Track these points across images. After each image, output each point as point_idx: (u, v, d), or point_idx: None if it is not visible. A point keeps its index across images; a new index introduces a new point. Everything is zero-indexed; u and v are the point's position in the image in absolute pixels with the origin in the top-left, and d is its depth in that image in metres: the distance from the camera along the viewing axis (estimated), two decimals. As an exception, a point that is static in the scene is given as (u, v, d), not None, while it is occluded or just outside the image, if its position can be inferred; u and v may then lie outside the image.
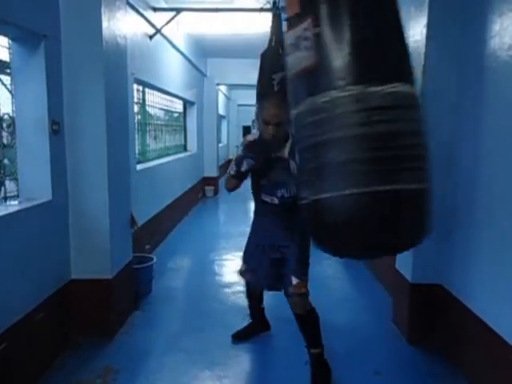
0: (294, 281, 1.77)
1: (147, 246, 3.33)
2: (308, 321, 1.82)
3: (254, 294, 2.19)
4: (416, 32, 2.14)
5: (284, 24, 3.00)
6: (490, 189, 1.74)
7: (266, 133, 1.73)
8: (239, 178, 1.79)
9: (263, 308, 2.29)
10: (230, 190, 1.87)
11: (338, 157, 1.00)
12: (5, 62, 1.91)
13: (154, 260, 2.83)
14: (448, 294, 2.07)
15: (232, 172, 1.78)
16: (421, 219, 1.09)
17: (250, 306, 2.25)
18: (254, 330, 2.25)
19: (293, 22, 1.09)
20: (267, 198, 1.83)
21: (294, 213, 1.67)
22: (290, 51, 1.11)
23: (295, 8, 1.08)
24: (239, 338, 2.21)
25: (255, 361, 2.08)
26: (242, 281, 3.10)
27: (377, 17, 1.02)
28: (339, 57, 0.99)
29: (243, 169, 1.74)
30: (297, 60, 1.07)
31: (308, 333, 1.83)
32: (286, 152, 1.76)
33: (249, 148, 1.79)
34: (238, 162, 1.76)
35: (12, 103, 1.90)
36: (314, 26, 1.02)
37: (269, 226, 1.88)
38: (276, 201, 1.80)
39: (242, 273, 2.07)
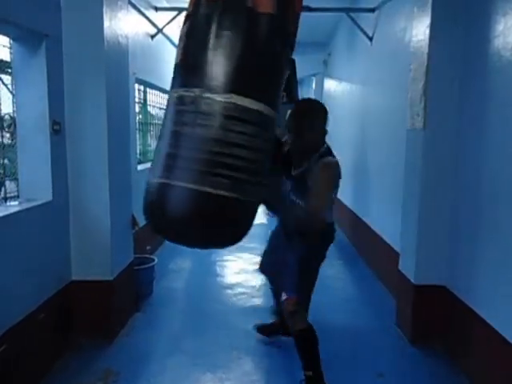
0: (284, 296, 1.67)
1: (148, 247, 3.32)
2: (299, 341, 1.68)
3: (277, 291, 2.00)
4: (419, 32, 2.13)
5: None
6: (495, 190, 1.72)
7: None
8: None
9: None
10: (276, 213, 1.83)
11: (164, 149, 1.11)
12: (6, 62, 1.90)
13: (155, 261, 2.82)
14: (451, 296, 2.05)
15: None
16: (215, 222, 1.10)
17: (276, 303, 2.10)
18: (278, 330, 2.14)
19: (184, 21, 1.19)
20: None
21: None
22: (178, 45, 1.21)
23: (190, 7, 1.18)
24: (261, 331, 2.16)
25: (257, 363, 2.05)
26: (247, 281, 3.09)
27: (239, 34, 1.08)
28: (195, 61, 1.09)
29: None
30: (176, 54, 1.18)
31: (301, 353, 1.69)
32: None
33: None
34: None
35: (13, 103, 1.89)
36: (185, 29, 1.15)
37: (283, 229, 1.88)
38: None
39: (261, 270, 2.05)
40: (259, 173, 1.13)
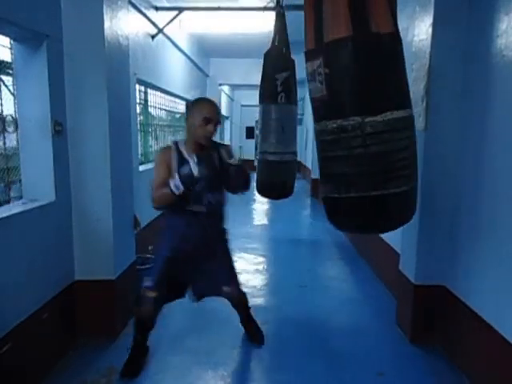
0: (227, 288, 1.93)
1: (150, 247, 3.33)
2: (248, 309, 2.17)
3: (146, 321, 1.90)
4: (421, 31, 2.12)
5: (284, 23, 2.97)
6: (495, 190, 1.72)
7: (205, 131, 1.65)
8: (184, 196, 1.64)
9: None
10: (163, 204, 1.70)
11: (340, 169, 1.34)
12: (7, 63, 1.91)
13: (157, 260, 2.83)
14: (452, 295, 2.05)
15: (179, 190, 1.57)
16: (405, 210, 1.43)
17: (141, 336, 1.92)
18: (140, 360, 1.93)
19: (310, 55, 1.34)
20: (195, 207, 1.71)
21: (220, 221, 1.82)
22: (309, 79, 1.36)
23: (311, 44, 1.32)
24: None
25: (259, 361, 2.07)
26: (248, 281, 3.10)
27: (374, 60, 1.26)
28: (344, 93, 1.27)
29: (184, 173, 1.58)
30: (314, 88, 1.34)
31: (246, 314, 2.18)
32: (225, 156, 1.76)
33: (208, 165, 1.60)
34: (193, 179, 1.58)
35: (14, 104, 1.90)
36: (324, 66, 1.27)
37: (192, 237, 1.76)
38: (204, 209, 1.72)
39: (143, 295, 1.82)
40: (415, 161, 1.40)
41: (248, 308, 2.17)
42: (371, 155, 1.26)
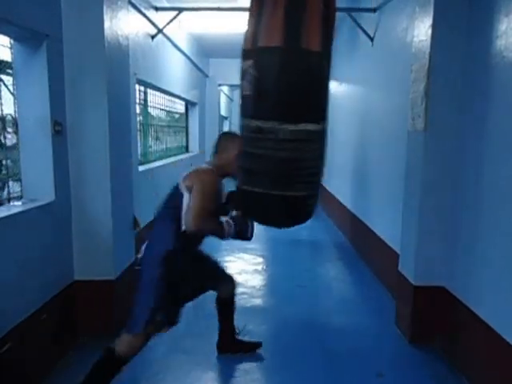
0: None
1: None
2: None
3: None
4: (421, 32, 2.13)
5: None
6: (495, 190, 1.73)
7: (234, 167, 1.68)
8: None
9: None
10: (208, 233, 1.77)
11: (253, 165, 1.42)
12: (6, 62, 1.90)
13: (157, 261, 2.82)
14: (451, 296, 2.05)
15: (231, 234, 1.71)
16: (301, 212, 1.54)
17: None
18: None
19: (244, 55, 1.40)
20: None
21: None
22: (241, 76, 1.41)
23: (248, 44, 1.38)
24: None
25: (258, 362, 2.07)
26: (247, 281, 3.10)
27: (299, 73, 1.33)
28: (267, 98, 1.34)
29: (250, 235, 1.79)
30: (243, 86, 1.40)
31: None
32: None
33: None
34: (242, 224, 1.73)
35: (14, 104, 1.89)
36: (254, 68, 1.34)
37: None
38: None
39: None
40: (320, 171, 1.50)
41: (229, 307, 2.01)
42: (279, 159, 1.35)
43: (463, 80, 2.00)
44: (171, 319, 1.75)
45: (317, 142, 1.41)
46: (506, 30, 1.67)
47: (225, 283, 2.01)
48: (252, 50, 1.36)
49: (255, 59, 1.34)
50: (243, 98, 1.42)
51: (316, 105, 1.39)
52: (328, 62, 1.39)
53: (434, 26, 2.00)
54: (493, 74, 1.76)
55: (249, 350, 2.09)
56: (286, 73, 1.31)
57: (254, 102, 1.37)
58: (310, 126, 1.36)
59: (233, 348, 2.07)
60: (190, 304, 2.76)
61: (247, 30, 1.41)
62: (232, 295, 2.03)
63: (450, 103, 2.04)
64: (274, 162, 1.36)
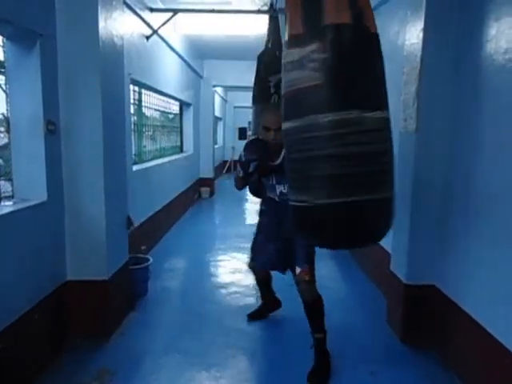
0: (297, 270, 1.95)
1: (143, 247, 3.32)
2: (315, 308, 1.96)
3: (262, 279, 2.41)
4: (412, 36, 2.16)
5: (281, 26, 3.00)
6: (484, 191, 1.76)
7: (266, 138, 1.90)
8: (247, 178, 2.03)
9: (273, 290, 2.51)
10: (240, 188, 2.13)
11: (327, 170, 1.21)
12: (-1, 61, 1.89)
13: (150, 261, 2.82)
14: (441, 295, 2.09)
15: (240, 174, 2.03)
16: (383, 220, 1.32)
17: (260, 290, 2.49)
18: (266, 310, 2.50)
19: (295, 42, 1.20)
20: (271, 195, 2.05)
21: None
22: (291, 68, 1.20)
23: (298, 29, 1.19)
24: (253, 317, 2.46)
25: (252, 361, 2.08)
26: (241, 280, 3.12)
27: (378, 53, 1.24)
28: (345, 83, 1.15)
29: (250, 170, 1.96)
30: (301, 78, 1.17)
31: (313, 319, 1.96)
32: (282, 157, 1.91)
33: (252, 151, 1.99)
34: (244, 164, 1.98)
35: (6, 103, 1.88)
36: (321, 52, 1.15)
37: (274, 218, 2.07)
38: (277, 198, 2.01)
39: (249, 264, 2.31)
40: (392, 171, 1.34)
41: (319, 320, 1.94)
42: (366, 155, 1.17)
43: (454, 82, 2.04)
44: None
45: (389, 130, 1.25)
46: (495, 34, 1.71)
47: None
48: (311, 33, 1.16)
49: (323, 40, 1.14)
50: (300, 93, 1.18)
51: (385, 89, 1.24)
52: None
53: (426, 30, 2.03)
54: (483, 77, 1.80)
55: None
56: (360, 53, 1.16)
57: (327, 92, 1.14)
58: (385, 114, 1.21)
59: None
60: (183, 303, 2.75)
61: (291, 14, 1.22)
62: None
63: (442, 105, 2.08)
64: (359, 159, 1.16)
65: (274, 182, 1.99)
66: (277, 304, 2.52)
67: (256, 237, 2.21)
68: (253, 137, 2.22)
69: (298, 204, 1.29)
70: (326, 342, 1.96)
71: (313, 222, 1.28)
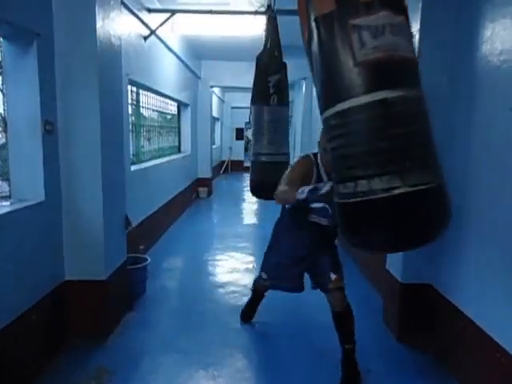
0: (333, 276, 1.89)
1: (141, 247, 3.32)
2: (347, 317, 1.89)
3: (260, 294, 2.37)
4: (407, 36, 2.18)
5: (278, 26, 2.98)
6: (479, 191, 1.78)
7: (325, 160, 1.75)
8: (316, 199, 1.67)
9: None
10: (282, 203, 1.89)
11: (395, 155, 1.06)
12: (-4, 61, 1.89)
13: (148, 260, 2.82)
14: (437, 294, 2.10)
15: (303, 196, 1.60)
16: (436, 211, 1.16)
17: (251, 301, 2.44)
18: (246, 317, 2.47)
19: (374, 4, 1.05)
20: (315, 219, 1.87)
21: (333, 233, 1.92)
22: (369, 34, 1.04)
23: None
24: (245, 318, 2.43)
25: (249, 360, 2.08)
26: (239, 280, 3.12)
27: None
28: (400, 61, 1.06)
29: (325, 191, 1.57)
30: (381, 45, 1.03)
31: (344, 329, 1.89)
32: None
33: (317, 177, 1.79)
34: (314, 190, 1.61)
35: (3, 102, 1.88)
36: (408, 25, 1.08)
37: (308, 240, 1.94)
38: (324, 222, 1.86)
39: (260, 282, 2.23)
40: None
41: (350, 329, 1.88)
42: (424, 133, 1.10)
43: (450, 84, 2.06)
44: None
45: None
46: (491, 36, 1.73)
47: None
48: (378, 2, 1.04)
49: (391, 8, 1.05)
50: (379, 63, 1.03)
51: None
52: None
53: (422, 30, 2.05)
54: (478, 78, 1.82)
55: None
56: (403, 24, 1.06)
57: (394, 66, 1.04)
58: (421, 92, 1.12)
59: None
60: (181, 302, 2.76)
61: None
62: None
63: (438, 106, 2.09)
64: (413, 141, 1.05)
65: (326, 210, 1.72)
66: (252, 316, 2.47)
67: (279, 259, 2.03)
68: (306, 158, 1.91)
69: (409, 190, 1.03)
70: (355, 352, 1.87)
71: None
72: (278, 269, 2.05)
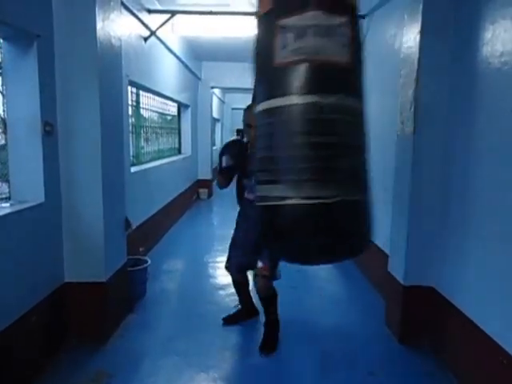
0: (259, 264, 2.03)
1: (141, 249, 3.31)
2: (269, 301, 2.17)
3: (239, 283, 2.40)
4: (409, 39, 2.18)
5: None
6: (481, 195, 1.77)
7: (248, 135, 1.96)
8: (223, 174, 2.07)
9: (251, 297, 2.49)
10: (220, 186, 2.16)
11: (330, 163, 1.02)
12: (-4, 62, 1.88)
13: (149, 262, 2.81)
14: (440, 296, 2.09)
15: (218, 169, 2.07)
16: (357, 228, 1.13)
17: (237, 292, 2.48)
18: (242, 316, 2.48)
19: (331, 7, 0.98)
20: (250, 196, 2.03)
21: None
22: (322, 33, 0.97)
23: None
24: (229, 322, 2.42)
25: (250, 363, 2.07)
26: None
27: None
28: (359, 65, 1.04)
29: (223, 165, 2.00)
30: (332, 47, 0.97)
31: (267, 309, 2.20)
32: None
33: (228, 147, 2.07)
34: (220, 160, 2.03)
35: (3, 104, 1.87)
36: (351, 28, 0.99)
37: (253, 220, 2.02)
38: (251, 197, 2.00)
39: (227, 267, 2.33)
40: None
41: (272, 309, 2.20)
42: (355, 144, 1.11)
43: (451, 85, 2.05)
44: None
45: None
46: (491, 38, 1.72)
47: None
48: (344, 5, 1.00)
49: (350, 18, 1.00)
50: (321, 65, 0.97)
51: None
52: None
53: (422, 33, 2.05)
54: (479, 80, 1.81)
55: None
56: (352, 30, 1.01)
57: (311, 71, 0.97)
58: (350, 101, 1.02)
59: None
60: (181, 304, 2.75)
61: None
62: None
63: (438, 108, 2.09)
64: (349, 150, 1.04)
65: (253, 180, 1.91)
66: (254, 312, 2.49)
67: (234, 238, 2.26)
68: (234, 137, 2.32)
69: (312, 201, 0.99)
70: (277, 317, 2.18)
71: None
72: (232, 246, 2.26)
